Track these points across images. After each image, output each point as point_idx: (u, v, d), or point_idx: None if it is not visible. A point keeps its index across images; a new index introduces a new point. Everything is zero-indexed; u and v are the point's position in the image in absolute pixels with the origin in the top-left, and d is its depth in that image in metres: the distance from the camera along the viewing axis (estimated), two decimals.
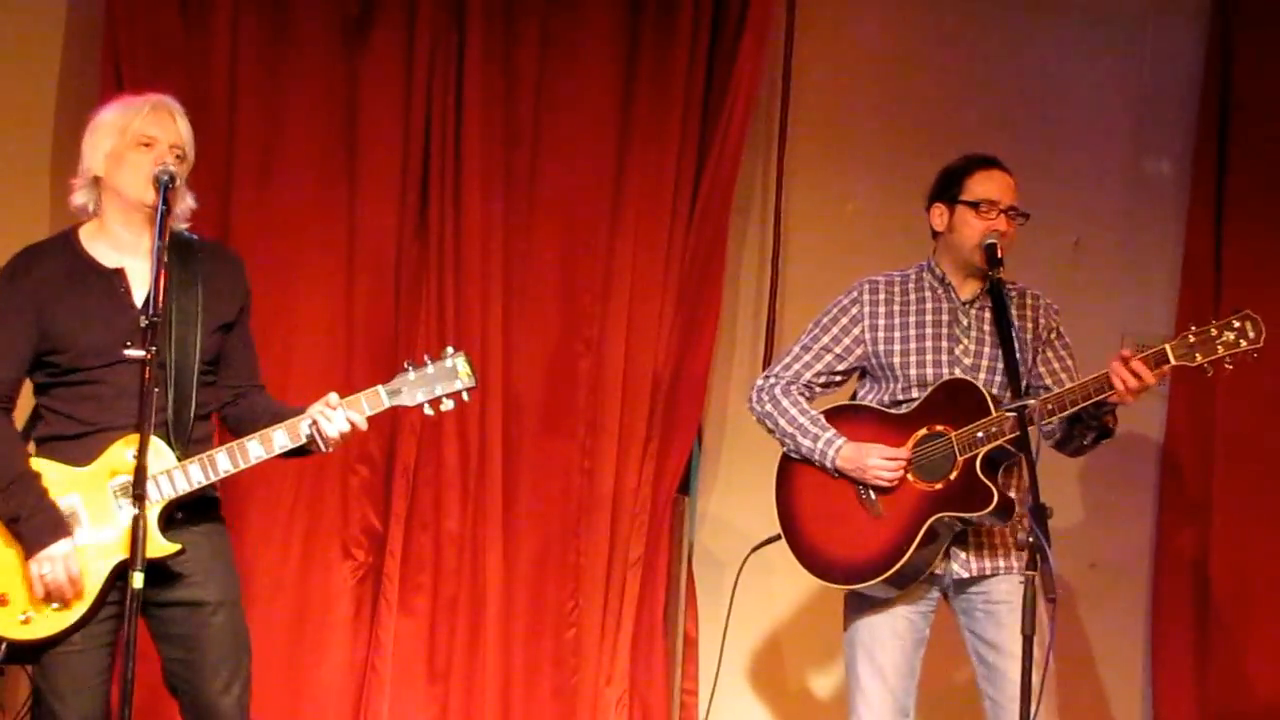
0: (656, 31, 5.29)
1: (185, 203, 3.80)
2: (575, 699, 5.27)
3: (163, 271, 3.54)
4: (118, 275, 3.74)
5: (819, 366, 4.38)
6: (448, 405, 3.79)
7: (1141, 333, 5.57)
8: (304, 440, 3.70)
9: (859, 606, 4.30)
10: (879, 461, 4.19)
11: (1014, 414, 3.96)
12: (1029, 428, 3.92)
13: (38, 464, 3.68)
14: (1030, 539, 3.78)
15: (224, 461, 3.67)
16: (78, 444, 3.67)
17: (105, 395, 3.64)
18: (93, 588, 3.62)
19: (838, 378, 4.43)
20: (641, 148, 5.30)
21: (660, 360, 5.29)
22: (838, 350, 4.37)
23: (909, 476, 4.18)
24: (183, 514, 3.70)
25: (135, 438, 3.53)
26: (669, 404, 5.30)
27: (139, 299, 3.71)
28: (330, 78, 5.22)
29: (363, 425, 3.71)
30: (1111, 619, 5.57)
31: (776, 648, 5.44)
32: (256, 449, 3.69)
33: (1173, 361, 4.01)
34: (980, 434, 4.09)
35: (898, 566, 4.15)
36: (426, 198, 5.23)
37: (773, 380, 4.42)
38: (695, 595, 5.37)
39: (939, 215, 4.35)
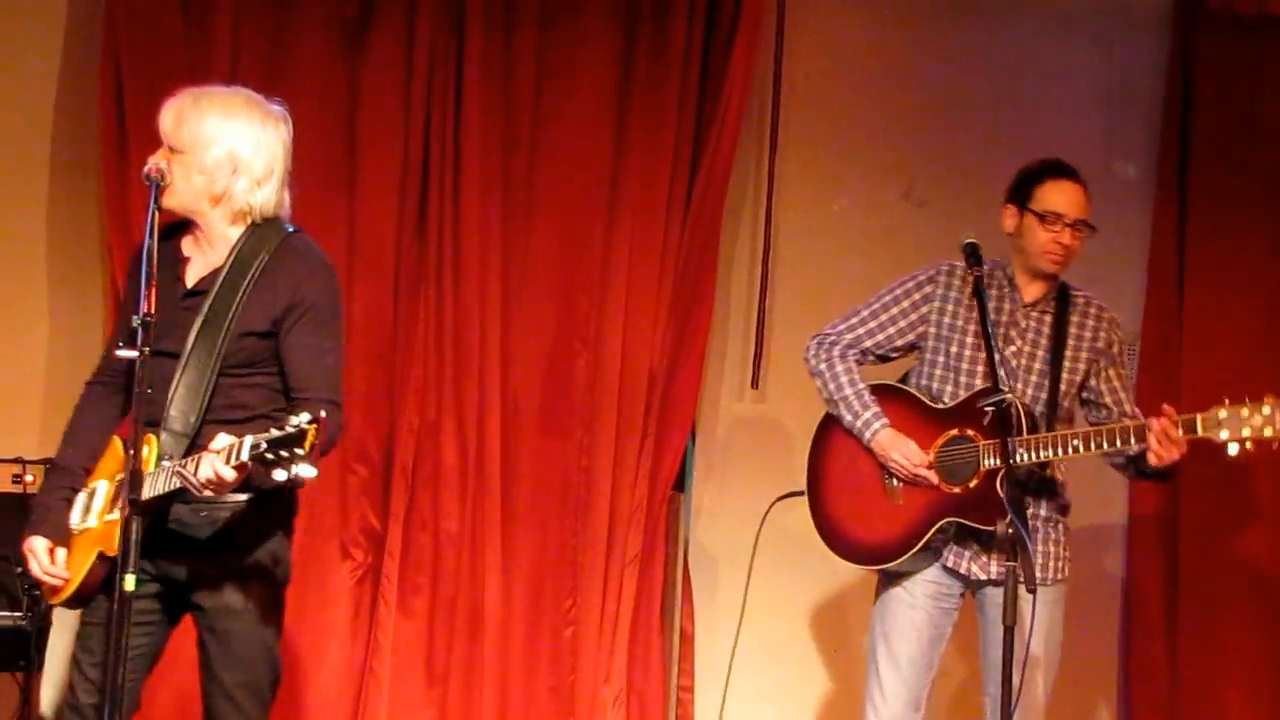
0: (651, 38, 5.33)
1: (244, 193, 3.66)
2: (573, 697, 5.29)
3: (154, 274, 3.40)
4: (182, 265, 3.66)
5: (880, 337, 4.36)
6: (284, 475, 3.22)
7: None
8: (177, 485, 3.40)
9: (888, 586, 4.33)
10: (899, 458, 4.23)
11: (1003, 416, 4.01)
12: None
13: (114, 443, 3.68)
14: (1010, 530, 3.84)
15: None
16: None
17: (154, 385, 3.45)
18: (76, 571, 3.59)
19: (895, 353, 4.42)
20: (636, 151, 5.33)
21: (655, 358, 5.33)
22: (902, 324, 4.36)
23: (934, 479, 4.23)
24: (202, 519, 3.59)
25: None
26: (664, 401, 5.34)
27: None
28: (329, 80, 5.19)
29: (227, 475, 3.28)
30: (1087, 617, 5.70)
31: (782, 642, 5.50)
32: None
33: (1200, 434, 3.98)
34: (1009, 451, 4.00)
35: (901, 560, 4.22)
36: (426, 201, 5.23)
37: (833, 339, 4.38)
38: (691, 592, 5.41)
39: (1010, 217, 4.33)
